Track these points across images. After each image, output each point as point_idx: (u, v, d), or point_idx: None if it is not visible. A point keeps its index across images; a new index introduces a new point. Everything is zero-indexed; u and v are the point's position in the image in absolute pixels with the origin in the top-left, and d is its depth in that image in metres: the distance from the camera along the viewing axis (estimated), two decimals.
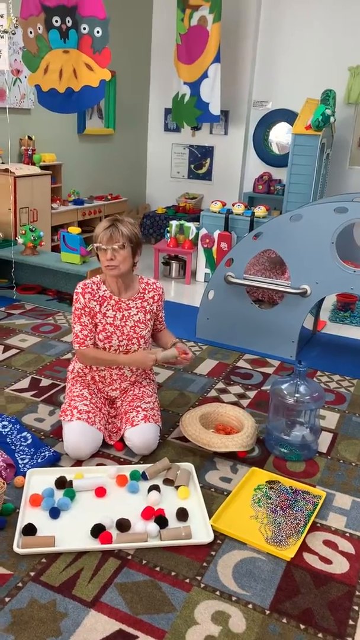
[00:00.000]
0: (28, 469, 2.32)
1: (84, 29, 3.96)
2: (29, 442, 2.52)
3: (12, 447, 2.48)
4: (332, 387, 3.34)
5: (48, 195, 5.08)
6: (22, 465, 2.36)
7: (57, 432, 2.63)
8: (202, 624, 1.68)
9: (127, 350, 2.55)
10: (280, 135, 6.85)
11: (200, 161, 7.27)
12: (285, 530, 2.06)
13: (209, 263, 5.38)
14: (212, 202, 5.37)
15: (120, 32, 6.28)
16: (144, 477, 2.30)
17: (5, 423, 2.65)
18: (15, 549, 1.88)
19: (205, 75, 6.08)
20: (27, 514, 2.07)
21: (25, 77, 4.92)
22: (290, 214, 3.53)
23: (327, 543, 2.05)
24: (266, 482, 2.35)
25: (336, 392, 3.29)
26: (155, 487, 2.23)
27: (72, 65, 4.08)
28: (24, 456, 2.42)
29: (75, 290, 2.52)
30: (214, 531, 2.03)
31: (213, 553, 1.96)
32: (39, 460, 2.39)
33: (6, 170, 4.59)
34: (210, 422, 2.71)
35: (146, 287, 2.62)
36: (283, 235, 3.51)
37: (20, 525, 1.98)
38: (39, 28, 4.10)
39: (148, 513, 2.08)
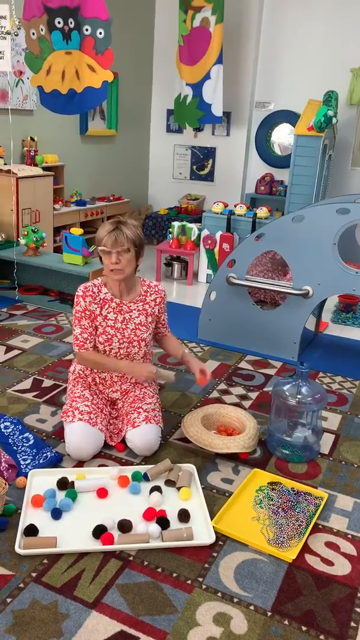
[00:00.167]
0: (30, 469, 2.32)
1: (87, 30, 3.96)
2: (30, 442, 2.52)
3: (14, 447, 2.48)
4: (334, 389, 3.34)
5: (50, 196, 5.09)
6: (24, 466, 2.36)
7: (59, 433, 2.63)
8: (203, 626, 1.68)
9: (128, 353, 2.55)
10: (283, 136, 6.86)
11: (202, 162, 7.28)
12: (287, 531, 2.06)
13: (211, 264, 5.38)
14: (214, 203, 5.37)
15: (122, 33, 6.29)
16: (145, 478, 2.30)
17: (7, 424, 2.66)
18: (17, 549, 1.88)
19: (207, 77, 6.09)
20: (29, 515, 2.07)
21: (28, 78, 4.92)
22: (292, 215, 3.53)
23: (329, 545, 2.05)
24: (268, 483, 2.35)
25: (338, 393, 3.28)
26: (156, 488, 2.23)
27: (75, 67, 4.09)
28: (26, 457, 2.42)
29: (76, 293, 2.51)
30: (216, 532, 2.03)
31: (215, 554, 1.96)
32: (41, 461, 2.39)
33: (8, 171, 4.59)
34: (212, 423, 2.71)
35: (148, 289, 2.61)
36: (285, 237, 3.51)
37: (21, 526, 1.98)
38: (42, 29, 4.11)
39: (150, 514, 2.08)
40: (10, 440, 2.53)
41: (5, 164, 4.81)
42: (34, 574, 1.82)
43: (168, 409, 2.93)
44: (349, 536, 2.10)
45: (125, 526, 2.00)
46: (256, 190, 6.99)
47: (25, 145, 5.30)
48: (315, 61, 6.44)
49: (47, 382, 3.15)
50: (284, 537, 2.03)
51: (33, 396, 2.98)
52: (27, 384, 3.12)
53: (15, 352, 3.52)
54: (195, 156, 7.30)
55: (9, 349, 3.56)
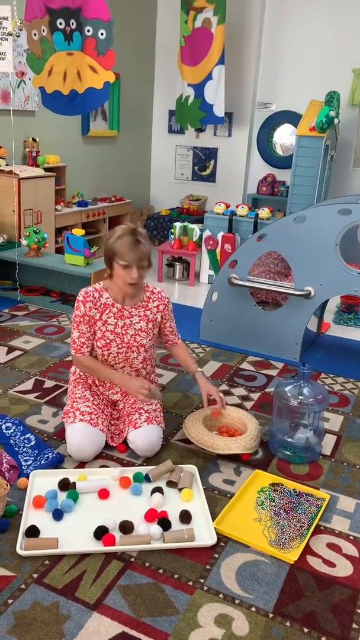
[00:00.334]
0: (31, 470, 2.32)
1: (88, 31, 3.96)
2: (32, 443, 2.52)
3: (16, 448, 2.48)
4: (336, 389, 3.33)
5: (52, 197, 5.09)
6: (26, 466, 2.36)
7: (60, 433, 2.63)
8: (205, 627, 1.68)
9: (127, 358, 2.53)
10: (284, 136, 6.85)
11: (204, 163, 7.27)
12: (288, 533, 2.05)
13: (213, 265, 5.37)
14: (216, 203, 5.37)
15: (124, 34, 6.29)
16: (147, 479, 2.30)
17: (9, 424, 2.66)
18: (18, 550, 1.88)
19: (209, 77, 6.08)
20: (30, 516, 2.07)
21: (30, 79, 4.93)
22: (294, 215, 3.52)
23: (330, 546, 2.04)
24: (270, 484, 2.34)
25: (340, 394, 3.28)
26: (158, 489, 2.23)
27: (76, 68, 4.09)
28: (27, 458, 2.42)
29: (77, 298, 2.49)
30: (217, 534, 2.03)
31: (216, 556, 1.95)
32: (42, 462, 2.39)
33: (10, 172, 4.60)
34: (213, 424, 2.71)
35: (151, 295, 2.58)
36: (287, 237, 3.51)
37: (23, 527, 1.98)
38: (43, 30, 4.11)
39: (151, 515, 2.08)
40: (11, 441, 2.53)
41: (7, 164, 4.82)
42: (35, 575, 1.82)
43: (169, 410, 2.93)
44: (351, 537, 2.09)
45: (126, 527, 2.00)
46: (258, 190, 6.98)
47: (27, 146, 5.31)
48: (317, 61, 6.44)
49: (48, 383, 3.15)
50: (285, 539, 2.03)
51: (34, 397, 2.98)
52: (28, 384, 3.12)
53: (17, 352, 3.52)
54: (197, 157, 7.29)
55: (11, 349, 3.56)
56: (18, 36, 4.04)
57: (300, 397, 2.52)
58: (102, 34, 3.95)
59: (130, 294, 2.46)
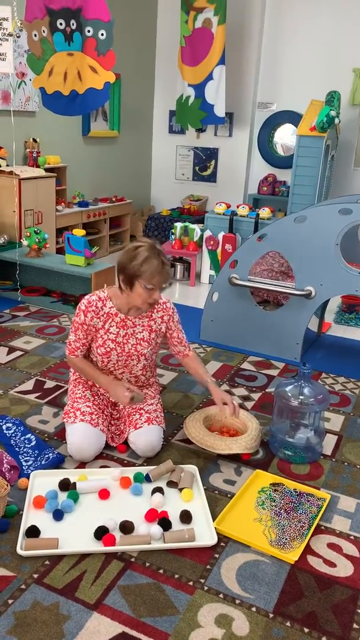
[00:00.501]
0: (32, 470, 2.32)
1: (88, 31, 3.97)
2: (32, 443, 2.52)
3: (16, 448, 2.48)
4: (337, 389, 3.33)
5: (53, 198, 5.09)
6: (26, 467, 2.36)
7: (61, 434, 2.63)
8: (205, 627, 1.67)
9: (126, 365, 2.51)
10: (285, 136, 6.85)
11: (204, 163, 7.27)
12: (289, 533, 2.05)
13: (214, 265, 5.37)
14: (217, 203, 5.37)
15: (124, 34, 6.29)
16: (147, 479, 2.30)
17: (10, 425, 2.66)
18: (19, 551, 1.88)
19: (210, 77, 6.08)
20: (31, 516, 2.07)
21: (30, 79, 4.94)
22: (295, 215, 3.52)
23: (331, 546, 2.04)
24: (270, 484, 2.34)
25: (341, 394, 3.27)
26: (158, 490, 2.22)
27: (77, 68, 4.09)
28: (28, 458, 2.42)
29: (79, 305, 2.43)
30: (218, 534, 2.03)
31: (217, 556, 1.95)
32: (43, 462, 2.39)
33: (11, 172, 4.60)
34: (214, 424, 2.70)
35: (156, 305, 2.52)
36: (287, 237, 3.51)
37: (23, 527, 1.98)
38: (44, 31, 4.11)
39: (151, 515, 2.08)
40: (12, 442, 2.53)
41: (7, 165, 4.82)
42: (35, 575, 1.82)
43: (170, 410, 2.93)
44: (352, 537, 2.09)
45: (127, 527, 2.00)
46: (259, 190, 6.98)
47: (27, 146, 5.31)
48: (317, 61, 6.43)
49: (49, 383, 3.15)
50: (286, 539, 2.02)
51: (35, 397, 2.98)
52: (29, 385, 3.12)
53: (18, 353, 3.52)
54: (197, 157, 7.29)
55: (12, 350, 3.56)
56: (18, 37, 4.04)
57: (301, 397, 2.52)
58: (102, 35, 3.95)
59: (145, 310, 2.42)
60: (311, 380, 2.58)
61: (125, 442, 2.52)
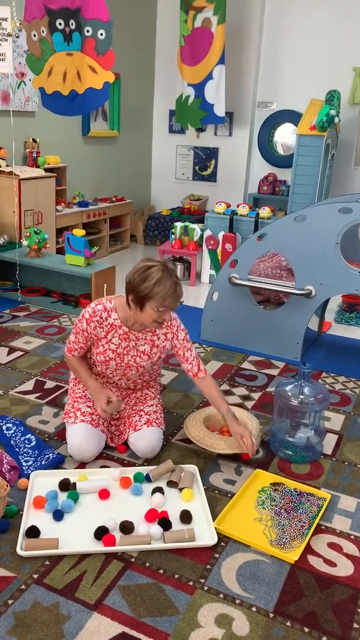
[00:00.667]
0: (32, 471, 2.32)
1: (88, 31, 3.96)
2: (33, 444, 2.52)
3: (16, 449, 2.48)
4: (337, 389, 3.32)
5: (53, 198, 5.09)
6: (26, 467, 2.36)
7: (61, 434, 2.63)
8: (205, 627, 1.67)
9: (124, 374, 2.50)
10: (285, 136, 6.84)
11: (204, 162, 7.27)
12: (289, 532, 2.05)
13: (214, 264, 5.37)
14: (217, 203, 5.36)
15: (124, 34, 6.29)
16: (147, 479, 2.30)
17: (10, 425, 2.66)
18: (19, 551, 1.88)
19: (209, 77, 6.08)
20: (31, 516, 2.07)
21: (30, 80, 4.94)
22: (295, 214, 3.52)
23: (331, 545, 2.04)
24: (270, 484, 2.34)
25: (341, 393, 3.27)
26: (158, 489, 2.22)
27: (76, 68, 4.09)
28: (28, 458, 2.42)
29: (83, 313, 2.39)
30: (218, 533, 2.02)
31: (217, 555, 1.95)
32: (43, 462, 2.39)
33: (11, 172, 4.60)
34: (214, 424, 2.70)
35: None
36: (287, 237, 3.50)
37: (23, 527, 1.98)
38: (43, 31, 4.11)
39: (151, 515, 2.07)
40: (12, 442, 2.53)
41: (7, 165, 4.82)
42: (35, 576, 1.82)
43: (170, 410, 2.93)
44: (352, 537, 2.09)
45: (127, 527, 2.00)
46: (259, 190, 6.97)
47: (27, 146, 5.31)
48: (317, 60, 6.43)
49: (49, 384, 3.14)
50: (286, 538, 2.02)
51: (35, 397, 2.98)
52: (29, 385, 3.12)
53: (18, 353, 3.52)
54: (197, 156, 7.29)
55: (12, 350, 3.56)
56: (17, 37, 4.04)
57: (301, 397, 2.52)
58: (101, 34, 3.95)
59: (151, 327, 2.37)
60: (311, 380, 2.58)
61: (125, 443, 2.52)
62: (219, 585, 1.82)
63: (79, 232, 4.36)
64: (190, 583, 1.83)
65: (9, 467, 2.30)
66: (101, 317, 2.37)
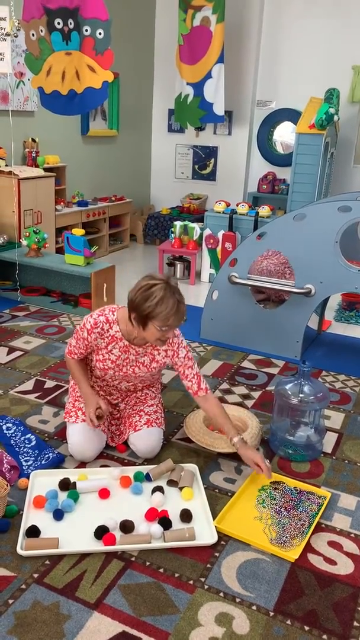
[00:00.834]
0: (32, 470, 2.32)
1: (86, 30, 3.96)
2: (33, 443, 2.52)
3: (16, 448, 2.48)
4: (337, 387, 3.32)
5: (52, 197, 5.09)
6: (26, 467, 2.36)
7: (61, 433, 2.63)
8: (205, 626, 1.67)
9: (123, 379, 2.49)
10: (285, 134, 6.84)
11: (204, 161, 7.27)
12: (289, 531, 2.05)
13: (214, 263, 5.37)
14: (216, 202, 5.36)
15: (122, 33, 6.29)
16: (147, 478, 2.30)
17: (10, 425, 2.66)
18: (19, 550, 1.88)
19: (209, 76, 6.07)
20: (31, 516, 2.07)
21: (29, 79, 4.93)
22: (294, 213, 3.51)
23: (331, 544, 2.04)
24: (270, 482, 2.34)
25: (341, 392, 3.27)
26: (159, 489, 2.22)
27: (75, 67, 4.09)
28: (28, 458, 2.42)
29: (83, 322, 2.36)
30: (218, 532, 2.02)
31: (217, 554, 1.95)
32: (43, 462, 2.39)
33: (10, 172, 4.60)
34: (214, 423, 2.70)
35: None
36: (287, 235, 3.50)
37: (23, 527, 1.98)
38: (41, 30, 4.11)
39: (152, 514, 2.07)
40: (12, 442, 2.53)
41: (6, 165, 4.82)
42: (35, 575, 1.82)
43: (170, 409, 2.93)
44: (352, 535, 2.09)
45: (127, 527, 2.00)
46: (258, 189, 6.97)
47: (26, 146, 5.31)
48: (316, 59, 6.42)
49: (49, 383, 3.14)
50: (286, 537, 2.02)
51: (35, 397, 2.98)
52: (29, 385, 3.12)
53: (18, 353, 3.52)
54: (197, 155, 7.29)
55: (12, 350, 3.56)
56: (16, 36, 4.03)
57: (301, 395, 2.52)
58: (100, 34, 3.95)
59: (154, 343, 2.33)
60: (311, 378, 2.58)
61: (125, 442, 2.52)
62: (219, 584, 1.82)
63: (79, 231, 4.36)
64: (191, 582, 1.83)
65: (9, 466, 2.30)
66: (102, 328, 2.33)
